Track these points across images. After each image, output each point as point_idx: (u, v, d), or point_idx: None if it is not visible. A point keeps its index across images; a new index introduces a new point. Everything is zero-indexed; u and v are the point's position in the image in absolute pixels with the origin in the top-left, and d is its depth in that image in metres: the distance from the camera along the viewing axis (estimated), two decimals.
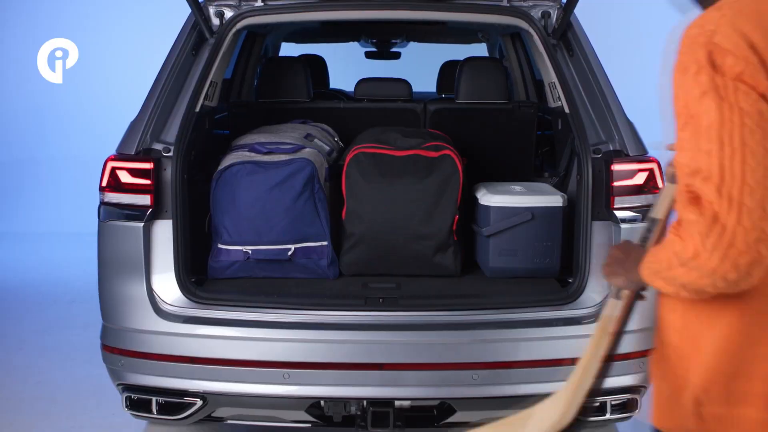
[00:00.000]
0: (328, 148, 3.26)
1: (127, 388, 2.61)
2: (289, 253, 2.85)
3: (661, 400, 1.33)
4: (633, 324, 2.60)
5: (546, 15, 2.99)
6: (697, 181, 1.16)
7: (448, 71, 4.32)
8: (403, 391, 2.51)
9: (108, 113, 6.97)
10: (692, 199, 1.16)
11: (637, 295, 1.37)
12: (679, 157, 1.21)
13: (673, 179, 1.43)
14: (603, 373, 1.39)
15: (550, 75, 3.03)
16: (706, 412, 1.28)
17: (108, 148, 2.92)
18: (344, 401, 2.54)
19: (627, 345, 2.57)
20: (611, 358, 1.37)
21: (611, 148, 2.66)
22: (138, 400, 2.60)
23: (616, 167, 2.60)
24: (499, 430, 1.62)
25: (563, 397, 1.48)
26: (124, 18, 7.04)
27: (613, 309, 1.38)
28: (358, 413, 2.55)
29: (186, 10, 2.90)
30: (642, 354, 2.58)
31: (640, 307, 1.63)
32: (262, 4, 2.96)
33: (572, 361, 2.23)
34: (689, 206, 1.16)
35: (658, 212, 1.48)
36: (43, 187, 7.23)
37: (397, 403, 2.52)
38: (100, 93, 7.10)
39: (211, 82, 2.92)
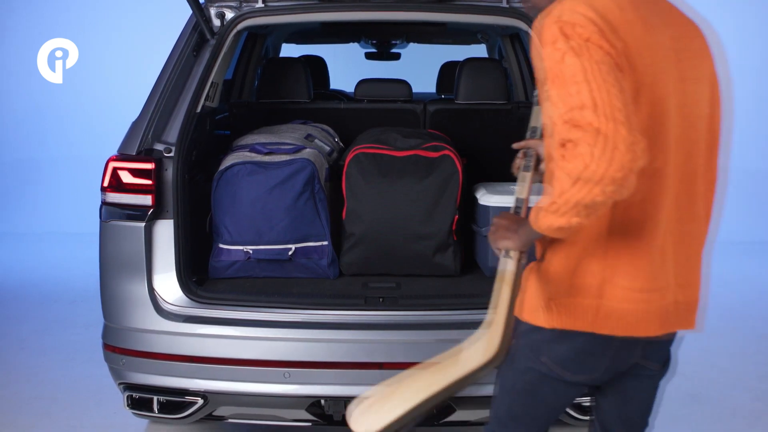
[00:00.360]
0: (328, 148, 3.27)
1: (129, 387, 2.62)
2: (290, 252, 2.86)
3: (530, 302, 1.67)
4: None
5: None
6: (575, 114, 1.38)
7: (448, 72, 4.32)
8: None
9: (108, 113, 6.97)
10: (566, 143, 1.41)
11: (523, 254, 1.68)
12: (551, 113, 1.44)
13: (527, 168, 1.79)
14: (510, 315, 1.69)
15: None
16: (553, 303, 1.62)
17: (108, 148, 2.92)
18: (344, 400, 2.52)
19: None
20: (513, 302, 1.68)
21: None
22: (139, 399, 2.61)
23: None
24: (430, 374, 1.75)
25: (485, 338, 1.71)
26: (124, 18, 7.03)
27: (506, 264, 1.67)
28: None
29: (186, 11, 2.90)
30: None
31: None
32: (263, 5, 2.96)
33: None
34: (573, 131, 1.39)
35: (521, 193, 1.76)
36: (44, 187, 7.21)
37: None
38: (100, 93, 7.09)
39: (212, 82, 2.93)
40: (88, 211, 4.07)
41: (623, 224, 1.56)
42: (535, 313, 1.66)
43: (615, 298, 1.58)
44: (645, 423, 1.84)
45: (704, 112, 1.63)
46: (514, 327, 1.69)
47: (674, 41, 1.58)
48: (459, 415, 2.60)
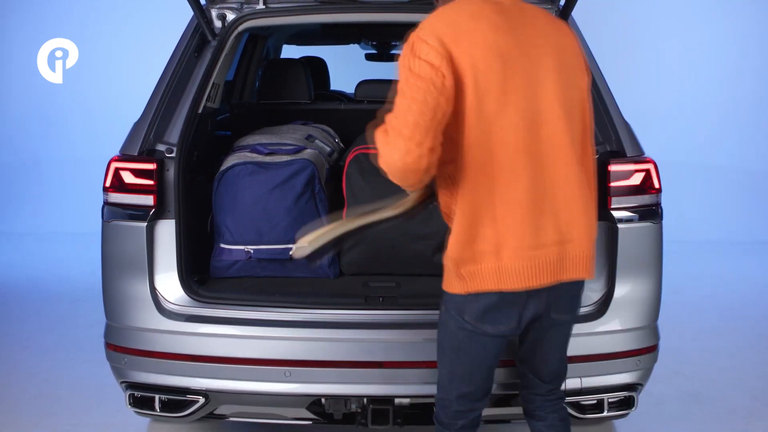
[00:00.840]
0: (328, 149, 3.28)
1: (131, 385, 2.63)
2: (291, 252, 2.87)
3: (446, 275, 2.03)
4: (628, 323, 2.66)
5: None
6: (388, 116, 1.85)
7: None
8: (403, 388, 2.53)
9: (109, 113, 6.97)
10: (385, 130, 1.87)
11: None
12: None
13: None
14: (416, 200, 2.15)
15: None
16: (462, 271, 1.94)
17: (108, 148, 2.93)
18: (345, 399, 2.56)
19: (623, 343, 2.63)
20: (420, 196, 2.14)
21: (608, 149, 2.69)
22: (141, 397, 2.62)
23: (614, 168, 2.62)
24: (354, 219, 2.22)
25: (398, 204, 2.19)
26: (124, 18, 7.02)
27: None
28: (359, 410, 2.57)
29: (186, 11, 2.92)
30: (638, 352, 2.62)
31: (633, 309, 2.59)
32: (264, 6, 2.98)
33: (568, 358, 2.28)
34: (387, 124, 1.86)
35: None
36: (46, 187, 7.22)
37: (396, 400, 2.55)
38: (100, 93, 7.09)
39: (213, 83, 2.94)
40: (90, 211, 4.10)
41: (499, 198, 1.88)
42: (450, 283, 2.01)
43: (510, 258, 1.89)
44: (564, 364, 2.20)
45: (550, 82, 1.93)
46: (441, 300, 2.06)
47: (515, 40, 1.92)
48: None
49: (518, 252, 1.89)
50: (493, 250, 1.90)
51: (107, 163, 2.68)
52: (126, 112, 3.05)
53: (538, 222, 1.90)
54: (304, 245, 2.12)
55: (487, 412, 2.54)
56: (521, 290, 1.92)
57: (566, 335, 2.16)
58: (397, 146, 1.80)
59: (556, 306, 2.02)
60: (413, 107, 1.79)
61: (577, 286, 2.05)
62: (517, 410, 2.41)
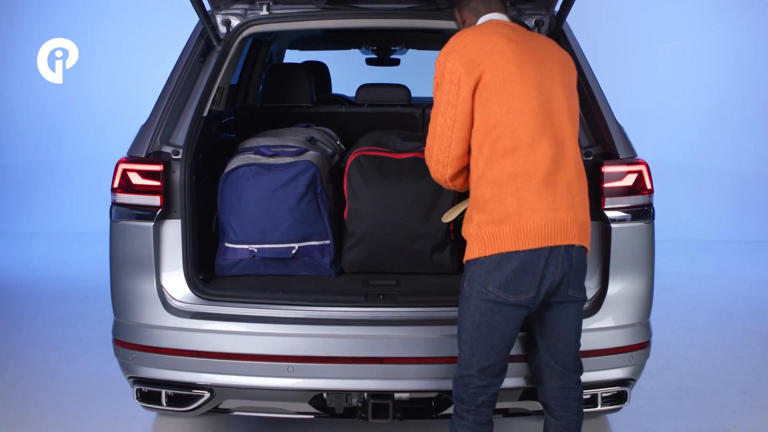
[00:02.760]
0: (330, 150, 3.31)
1: (138, 381, 2.67)
2: (293, 251, 2.90)
3: (468, 247, 2.26)
4: (621, 320, 2.70)
5: (539, 23, 3.05)
6: (427, 139, 2.33)
7: None
8: (403, 383, 2.57)
9: (110, 113, 6.98)
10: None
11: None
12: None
13: None
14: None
15: None
16: (483, 233, 2.19)
17: (109, 148, 2.95)
18: (346, 393, 2.60)
19: (616, 339, 2.67)
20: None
21: (602, 151, 2.72)
22: (148, 392, 2.66)
23: (607, 169, 2.65)
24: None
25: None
26: (124, 18, 7.00)
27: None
28: (359, 405, 2.60)
29: (185, 12, 2.95)
30: (631, 348, 2.66)
31: (626, 306, 2.67)
32: (267, 13, 3.02)
33: None
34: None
35: None
36: (55, 187, 7.21)
37: (396, 395, 2.59)
38: (101, 93, 7.07)
39: (218, 87, 2.98)
40: (97, 211, 4.14)
41: (520, 168, 2.17)
42: (471, 250, 2.23)
43: (529, 218, 2.15)
44: (578, 342, 2.37)
45: (557, 86, 2.27)
46: (463, 278, 2.28)
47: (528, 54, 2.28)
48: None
49: (537, 213, 2.15)
50: (514, 213, 2.15)
51: (115, 164, 2.71)
52: (128, 112, 3.07)
53: (554, 189, 2.18)
54: (449, 218, 2.65)
55: (514, 405, 2.63)
56: (538, 249, 2.15)
57: (580, 313, 2.35)
58: (432, 168, 2.33)
59: (571, 280, 2.23)
60: (437, 133, 2.27)
61: (584, 261, 2.28)
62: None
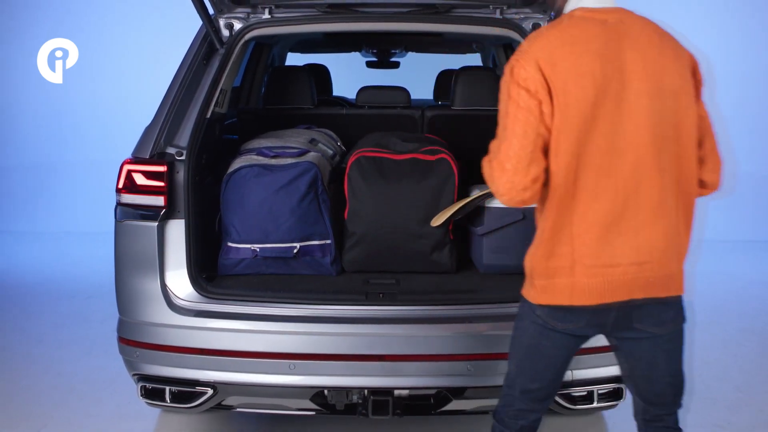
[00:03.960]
0: (331, 152, 3.34)
1: (142, 378, 2.69)
2: (295, 251, 2.93)
3: (526, 283, 2.05)
4: None
5: (536, 26, 3.09)
6: (492, 146, 1.95)
7: (444, 80, 4.40)
8: (402, 380, 2.60)
9: (111, 113, 6.97)
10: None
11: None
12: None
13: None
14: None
15: None
16: (537, 283, 1.99)
17: (111, 148, 2.97)
18: (346, 390, 2.62)
19: None
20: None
21: None
22: (152, 389, 2.68)
23: None
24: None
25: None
26: (124, 18, 6.98)
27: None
28: (360, 401, 2.64)
29: (187, 13, 2.97)
30: None
31: None
32: (269, 16, 3.05)
33: None
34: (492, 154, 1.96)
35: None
36: (59, 188, 7.21)
37: (396, 392, 2.62)
38: (101, 93, 7.05)
39: (221, 89, 3.01)
40: (102, 211, 4.17)
41: (579, 217, 1.91)
42: (527, 290, 2.05)
43: (583, 275, 1.92)
44: (672, 388, 2.08)
45: (643, 110, 1.91)
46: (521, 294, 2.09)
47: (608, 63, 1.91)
48: (455, 405, 2.69)
49: (592, 269, 1.92)
50: (568, 266, 1.93)
51: (120, 165, 2.74)
52: (128, 112, 3.08)
53: (614, 242, 1.91)
54: (437, 222, 2.74)
55: None
56: (592, 306, 1.94)
57: (666, 351, 2.03)
58: (501, 180, 1.90)
59: (638, 316, 1.97)
60: (514, 142, 1.87)
61: (657, 300, 1.97)
62: None
